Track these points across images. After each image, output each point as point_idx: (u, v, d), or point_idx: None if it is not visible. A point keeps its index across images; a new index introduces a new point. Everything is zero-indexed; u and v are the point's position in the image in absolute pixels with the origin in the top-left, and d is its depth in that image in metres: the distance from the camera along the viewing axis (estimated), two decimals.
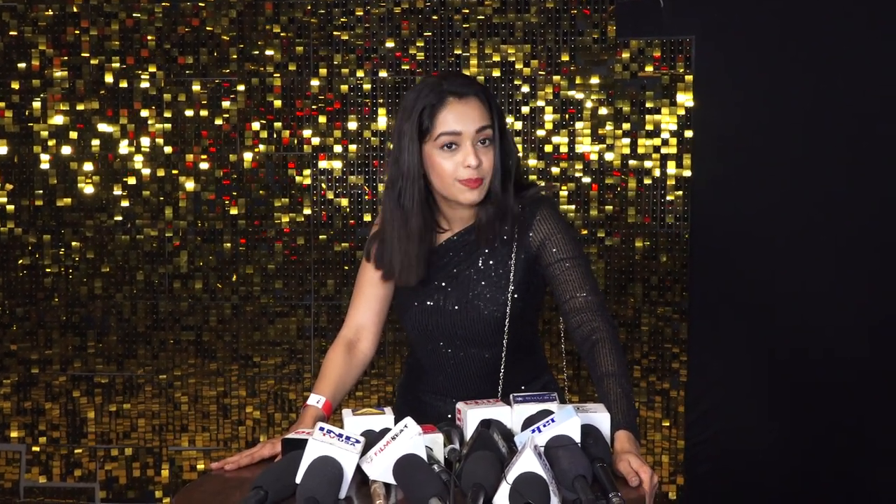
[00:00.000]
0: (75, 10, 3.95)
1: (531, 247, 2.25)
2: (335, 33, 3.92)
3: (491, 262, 2.27)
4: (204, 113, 3.97)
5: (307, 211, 3.97)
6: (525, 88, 3.86)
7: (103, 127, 3.98)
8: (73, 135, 3.99)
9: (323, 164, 3.95)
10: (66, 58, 3.98)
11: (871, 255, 3.72)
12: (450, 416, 2.28)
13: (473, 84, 2.20)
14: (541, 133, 3.86)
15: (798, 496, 3.80)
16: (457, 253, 2.29)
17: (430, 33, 3.89)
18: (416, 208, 2.20)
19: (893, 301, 3.72)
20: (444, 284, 2.29)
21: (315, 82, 3.94)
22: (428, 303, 2.29)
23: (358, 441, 1.73)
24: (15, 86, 3.99)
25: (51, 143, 4.00)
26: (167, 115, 3.97)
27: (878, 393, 3.74)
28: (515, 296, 2.25)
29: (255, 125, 3.96)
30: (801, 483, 3.80)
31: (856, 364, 3.74)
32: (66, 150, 4.00)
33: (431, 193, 2.25)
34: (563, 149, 3.86)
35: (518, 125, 3.84)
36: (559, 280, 2.21)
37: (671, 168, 3.82)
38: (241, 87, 3.95)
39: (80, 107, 3.98)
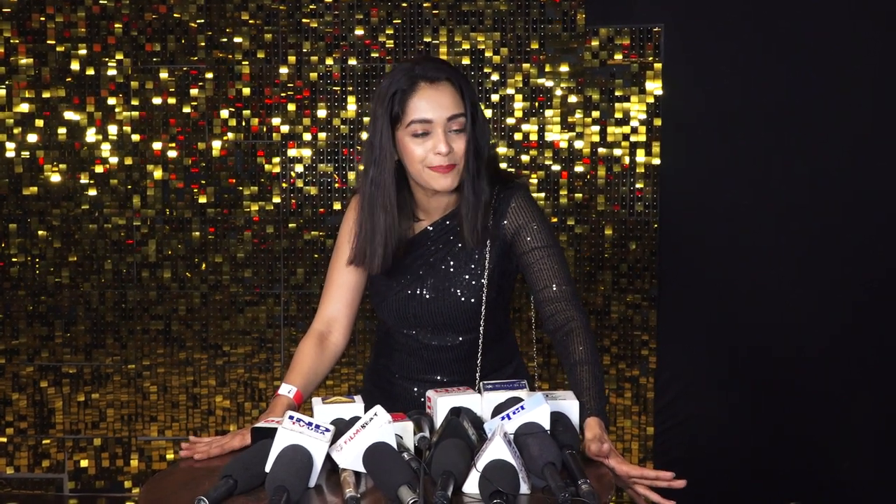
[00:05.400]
0: None
1: (506, 234, 2.26)
2: (304, 21, 3.90)
3: (466, 250, 2.27)
4: (172, 101, 3.94)
5: (276, 199, 3.95)
6: (494, 76, 3.85)
7: (70, 115, 3.94)
8: (39, 123, 3.95)
9: (292, 153, 3.94)
10: (31, 45, 3.93)
11: (840, 243, 3.75)
12: (422, 399, 2.28)
13: (446, 69, 2.18)
14: (510, 121, 3.86)
15: (766, 481, 3.84)
16: (434, 242, 2.29)
17: (399, 21, 3.88)
18: (386, 194, 2.20)
19: (859, 286, 3.76)
20: (420, 273, 2.29)
21: (284, 70, 3.92)
22: (407, 291, 2.29)
23: (327, 429, 1.73)
24: None
25: (16, 130, 3.95)
26: (134, 102, 3.94)
27: (844, 377, 3.78)
28: (490, 282, 2.26)
29: (224, 113, 3.93)
30: (769, 468, 3.83)
31: (823, 350, 3.77)
32: (32, 137, 3.95)
33: (408, 183, 2.25)
34: (533, 137, 3.87)
35: (488, 113, 3.84)
36: (534, 269, 2.22)
37: (640, 156, 3.84)
38: (209, 75, 3.92)
39: (46, 94, 3.94)
